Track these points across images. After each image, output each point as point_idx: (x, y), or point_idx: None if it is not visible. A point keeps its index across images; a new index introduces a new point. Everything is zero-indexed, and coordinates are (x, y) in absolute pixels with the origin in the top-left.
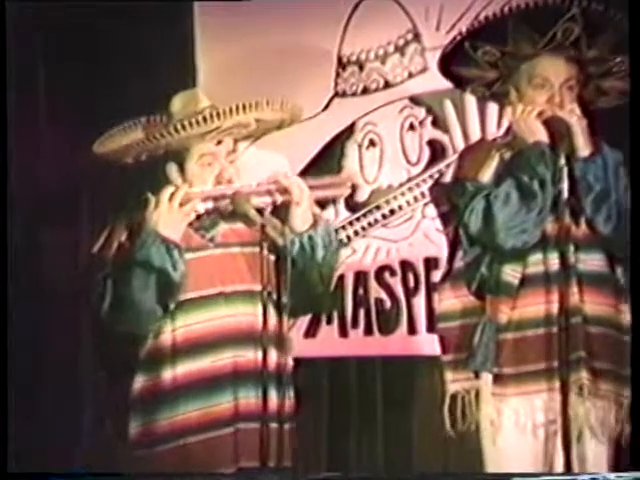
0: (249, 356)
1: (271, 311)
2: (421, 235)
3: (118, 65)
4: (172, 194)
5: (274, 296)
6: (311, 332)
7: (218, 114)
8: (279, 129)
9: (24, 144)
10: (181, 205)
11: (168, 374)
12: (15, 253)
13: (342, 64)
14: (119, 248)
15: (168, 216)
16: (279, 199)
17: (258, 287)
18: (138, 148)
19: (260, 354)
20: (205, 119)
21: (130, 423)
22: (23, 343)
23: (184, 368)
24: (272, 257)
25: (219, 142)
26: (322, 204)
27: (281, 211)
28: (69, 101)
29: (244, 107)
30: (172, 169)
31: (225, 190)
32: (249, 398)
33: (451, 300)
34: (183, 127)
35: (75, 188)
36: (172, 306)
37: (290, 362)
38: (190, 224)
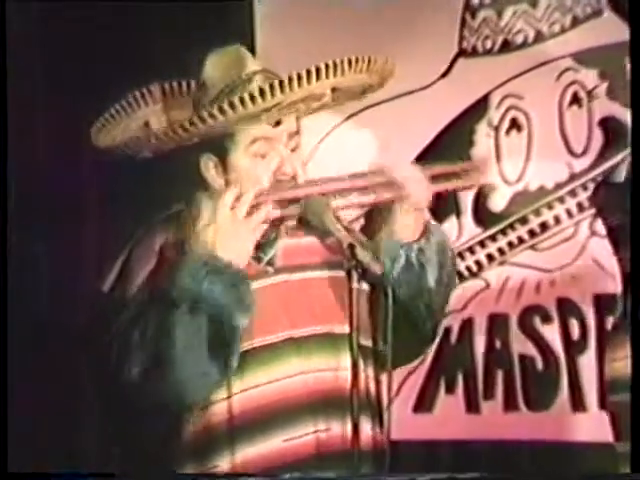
0: (336, 429)
1: (363, 364)
2: (589, 261)
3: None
4: (236, 199)
5: (369, 342)
6: (425, 404)
7: (282, 84)
8: (357, 98)
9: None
10: (248, 214)
11: (224, 463)
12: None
13: (471, 8)
14: (148, 282)
15: (231, 232)
16: (377, 198)
17: (343, 328)
18: (158, 137)
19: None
20: (263, 93)
21: None
22: (24, 342)
23: (246, 453)
24: (365, 287)
25: (277, 123)
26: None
27: (376, 215)
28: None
29: (317, 72)
30: (209, 165)
31: (307, 187)
32: None
33: (629, 360)
34: (231, 106)
35: (75, 196)
36: (234, 363)
37: (384, 438)
38: None
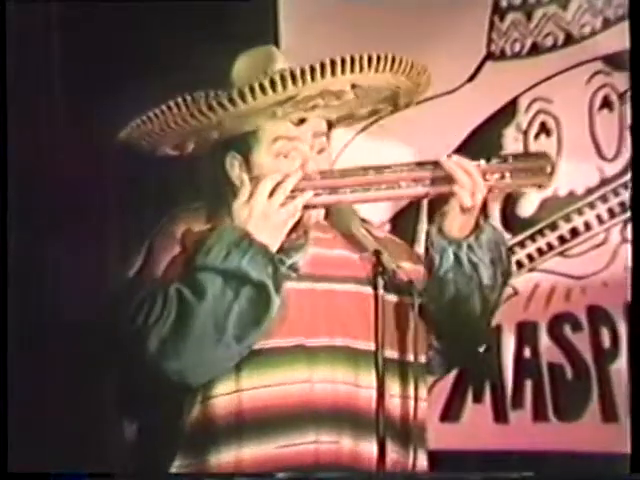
0: (346, 443)
1: (388, 380)
2: (620, 269)
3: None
4: (276, 185)
5: (394, 356)
6: (452, 413)
7: (294, 76)
8: (395, 107)
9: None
10: (283, 205)
11: (219, 459)
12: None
13: (499, 11)
14: (172, 264)
15: (269, 216)
16: (429, 191)
17: (361, 344)
18: (181, 131)
19: (357, 441)
20: (274, 83)
21: None
22: (24, 342)
23: (242, 452)
24: (392, 299)
25: (301, 121)
26: None
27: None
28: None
29: (332, 66)
30: (234, 164)
31: (357, 175)
32: None
33: None
34: (242, 96)
35: (99, 190)
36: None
37: (424, 462)
38: None
